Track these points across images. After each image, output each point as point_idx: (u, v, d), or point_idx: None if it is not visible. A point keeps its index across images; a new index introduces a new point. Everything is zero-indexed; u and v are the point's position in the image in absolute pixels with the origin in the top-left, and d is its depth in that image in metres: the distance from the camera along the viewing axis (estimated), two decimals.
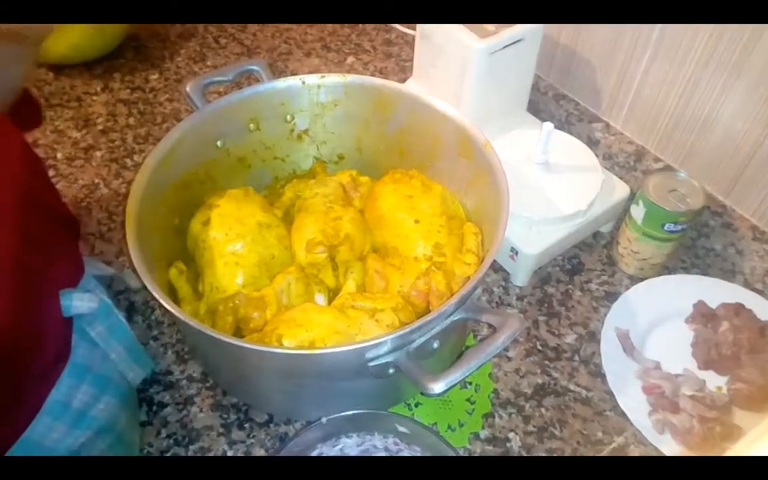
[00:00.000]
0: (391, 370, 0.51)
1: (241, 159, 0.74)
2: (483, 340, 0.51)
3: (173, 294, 0.63)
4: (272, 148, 0.76)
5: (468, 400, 0.65)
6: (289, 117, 0.75)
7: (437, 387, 0.48)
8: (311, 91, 0.74)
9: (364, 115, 0.75)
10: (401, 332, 0.50)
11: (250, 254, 0.63)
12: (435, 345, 0.53)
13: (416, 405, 0.65)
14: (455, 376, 0.48)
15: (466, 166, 0.69)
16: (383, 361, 0.50)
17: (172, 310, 0.51)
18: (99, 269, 0.60)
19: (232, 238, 0.63)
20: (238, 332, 0.61)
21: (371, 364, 0.50)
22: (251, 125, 0.73)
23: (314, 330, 0.56)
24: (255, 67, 0.72)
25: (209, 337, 0.51)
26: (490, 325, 0.71)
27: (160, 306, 0.54)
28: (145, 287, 0.52)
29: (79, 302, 0.50)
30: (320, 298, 0.65)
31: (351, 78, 0.74)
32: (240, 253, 0.63)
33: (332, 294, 0.66)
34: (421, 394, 0.56)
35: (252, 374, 0.59)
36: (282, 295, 0.62)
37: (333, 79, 0.73)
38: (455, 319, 0.54)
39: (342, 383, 0.56)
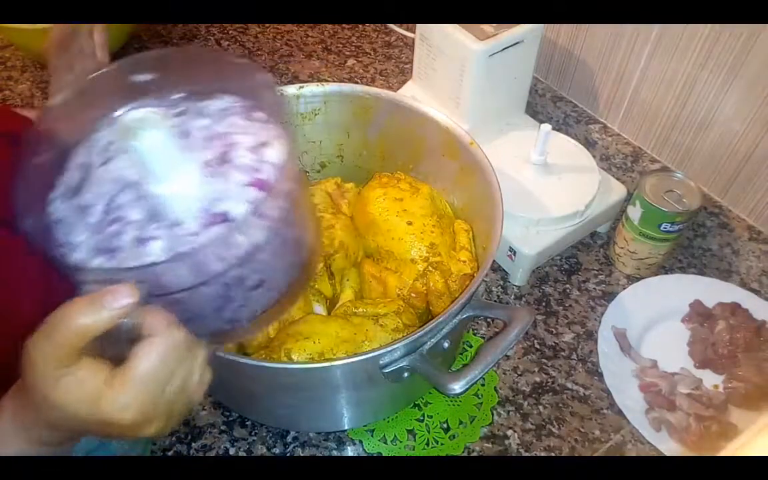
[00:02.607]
0: (405, 374, 0.52)
1: None
2: (496, 336, 0.51)
3: None
4: None
5: (475, 394, 0.66)
6: None
7: (458, 386, 0.48)
8: (290, 102, 0.73)
9: (345, 122, 0.75)
10: (414, 336, 0.50)
11: None
12: (446, 345, 0.54)
13: (426, 404, 0.65)
14: (474, 373, 0.49)
15: (451, 166, 0.69)
16: (398, 366, 0.51)
17: None
18: None
19: None
20: (240, 349, 0.61)
21: (386, 370, 0.51)
22: None
23: (322, 341, 0.56)
24: None
25: (221, 360, 0.51)
26: (492, 320, 0.73)
27: None
28: None
29: None
30: (319, 309, 0.65)
31: (330, 87, 0.74)
32: None
33: (330, 303, 0.67)
34: (442, 394, 0.56)
35: (261, 392, 0.59)
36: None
37: (311, 89, 0.73)
38: (463, 317, 0.54)
39: (353, 392, 0.57)
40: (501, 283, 0.77)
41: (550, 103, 0.97)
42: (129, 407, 0.35)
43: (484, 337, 0.72)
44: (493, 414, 0.65)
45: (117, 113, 0.39)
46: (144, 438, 0.38)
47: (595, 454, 0.62)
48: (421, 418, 0.64)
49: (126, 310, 0.33)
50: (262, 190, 0.36)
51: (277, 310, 0.42)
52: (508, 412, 0.65)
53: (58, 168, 0.40)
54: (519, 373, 0.68)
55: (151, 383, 0.35)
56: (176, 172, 0.37)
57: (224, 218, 0.36)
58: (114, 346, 0.35)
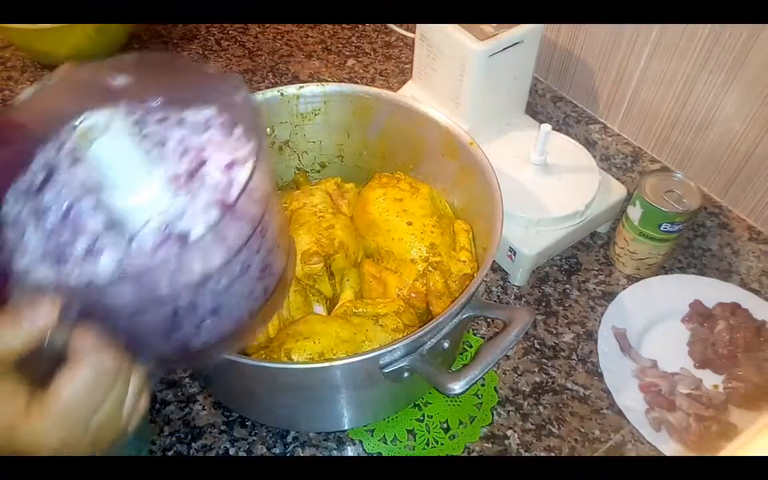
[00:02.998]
0: (405, 374, 0.52)
1: None
2: (496, 336, 0.51)
3: None
4: None
5: (475, 394, 0.66)
6: (269, 130, 0.75)
7: (458, 386, 0.48)
8: (290, 102, 0.73)
9: (345, 122, 0.75)
10: (414, 336, 0.50)
11: None
12: (446, 345, 0.54)
13: (426, 404, 0.65)
14: (474, 373, 0.49)
15: (451, 166, 0.69)
16: (398, 366, 0.51)
17: None
18: None
19: None
20: (240, 350, 0.60)
21: (386, 370, 0.51)
22: None
23: (322, 341, 0.56)
24: None
25: (224, 361, 0.50)
26: (492, 320, 0.73)
27: None
28: None
29: None
30: (319, 309, 0.65)
31: (330, 87, 0.74)
32: None
33: (329, 303, 0.67)
34: (442, 394, 0.56)
35: (261, 392, 0.58)
36: (282, 309, 0.62)
37: (311, 89, 0.73)
38: (463, 317, 0.54)
39: (353, 392, 0.57)
40: (501, 283, 0.77)
41: (550, 103, 0.97)
42: (48, 437, 0.32)
43: (484, 337, 0.72)
44: (493, 414, 0.65)
45: (83, 116, 0.36)
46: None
47: (595, 454, 0.62)
48: (421, 418, 0.64)
49: (45, 330, 0.30)
50: (224, 212, 0.33)
51: (237, 338, 0.39)
52: (508, 412, 0.65)
53: (20, 166, 0.38)
54: (519, 373, 0.68)
55: (73, 412, 0.32)
56: (137, 183, 0.34)
57: (183, 238, 0.33)
58: (37, 368, 0.32)
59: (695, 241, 0.81)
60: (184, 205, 0.35)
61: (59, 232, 0.34)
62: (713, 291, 0.74)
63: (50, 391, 0.32)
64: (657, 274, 0.77)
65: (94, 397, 0.33)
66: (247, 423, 0.63)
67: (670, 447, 0.62)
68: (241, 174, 0.36)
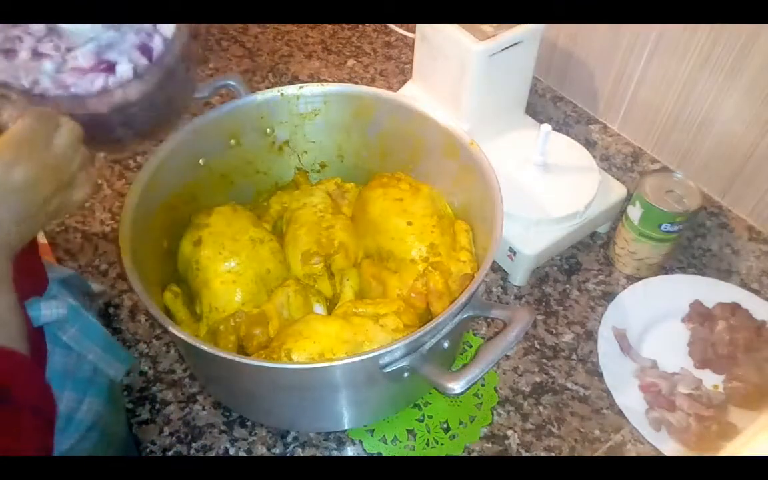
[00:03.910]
0: (405, 374, 0.52)
1: (224, 175, 0.74)
2: (496, 336, 0.51)
3: (170, 317, 0.62)
4: (254, 162, 0.76)
5: (475, 394, 0.66)
6: (269, 130, 0.74)
7: (457, 386, 0.48)
8: (290, 102, 0.73)
9: (345, 122, 0.75)
10: (414, 336, 0.50)
11: (247, 271, 0.63)
12: (446, 345, 0.54)
13: (426, 404, 0.65)
14: (474, 373, 0.49)
15: (451, 166, 0.69)
16: (398, 366, 0.51)
17: (185, 338, 0.50)
18: (59, 272, 0.59)
19: (227, 256, 0.63)
20: (240, 350, 0.61)
21: (386, 370, 0.51)
22: (232, 141, 0.72)
23: (321, 341, 0.56)
24: (231, 82, 0.71)
25: (221, 360, 0.51)
26: (492, 320, 0.73)
27: (161, 327, 0.54)
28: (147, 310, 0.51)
29: (47, 310, 0.49)
30: (319, 309, 0.65)
31: (330, 87, 0.74)
32: (236, 271, 0.63)
33: (330, 303, 0.67)
34: (442, 394, 0.56)
35: (261, 392, 0.58)
36: (282, 309, 0.62)
37: (312, 88, 0.73)
38: (464, 317, 0.54)
39: (353, 392, 0.57)
40: (501, 283, 0.77)
41: (550, 104, 0.97)
42: (15, 164, 0.40)
43: (484, 337, 0.72)
44: (493, 414, 0.65)
45: None
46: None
47: (595, 454, 0.62)
48: (421, 418, 0.64)
49: None
50: (148, 59, 0.48)
51: (137, 143, 0.54)
52: (508, 412, 0.65)
53: None
54: (519, 373, 0.68)
55: (28, 138, 0.42)
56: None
57: (110, 67, 0.45)
58: None
59: (695, 241, 0.81)
60: (115, 38, 0.47)
61: (9, 27, 0.45)
62: (713, 291, 0.74)
63: (9, 130, 0.42)
64: (657, 274, 0.77)
65: (39, 128, 0.42)
66: (247, 423, 0.64)
67: (670, 447, 0.62)
68: (166, 28, 0.50)
